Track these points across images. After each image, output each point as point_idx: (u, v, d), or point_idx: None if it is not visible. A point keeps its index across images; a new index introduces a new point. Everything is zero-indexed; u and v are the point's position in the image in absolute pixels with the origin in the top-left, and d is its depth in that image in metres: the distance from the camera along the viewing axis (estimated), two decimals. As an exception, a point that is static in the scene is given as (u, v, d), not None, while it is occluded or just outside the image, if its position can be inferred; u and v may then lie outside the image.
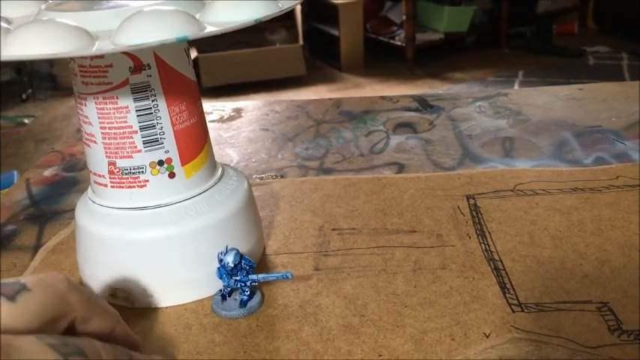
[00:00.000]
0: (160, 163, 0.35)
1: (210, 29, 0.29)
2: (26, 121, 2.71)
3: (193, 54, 2.85)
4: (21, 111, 2.86)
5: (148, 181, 0.35)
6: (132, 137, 0.34)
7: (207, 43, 2.91)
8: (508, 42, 3.32)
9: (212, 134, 0.39)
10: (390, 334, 0.33)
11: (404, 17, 3.03)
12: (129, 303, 0.36)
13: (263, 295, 0.37)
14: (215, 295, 0.36)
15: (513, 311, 0.34)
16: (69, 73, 0.35)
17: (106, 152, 0.34)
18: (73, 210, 0.39)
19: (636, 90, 0.68)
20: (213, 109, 0.72)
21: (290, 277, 0.35)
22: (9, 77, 3.11)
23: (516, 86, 2.78)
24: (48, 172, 0.58)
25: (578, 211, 0.44)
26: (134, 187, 0.35)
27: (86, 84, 0.33)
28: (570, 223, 0.43)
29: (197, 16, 0.30)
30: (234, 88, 2.92)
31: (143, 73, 0.33)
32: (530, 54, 3.22)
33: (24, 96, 3.02)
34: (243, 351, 0.33)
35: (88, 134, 0.35)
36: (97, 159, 0.35)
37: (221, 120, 0.69)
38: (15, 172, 1.56)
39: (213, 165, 0.38)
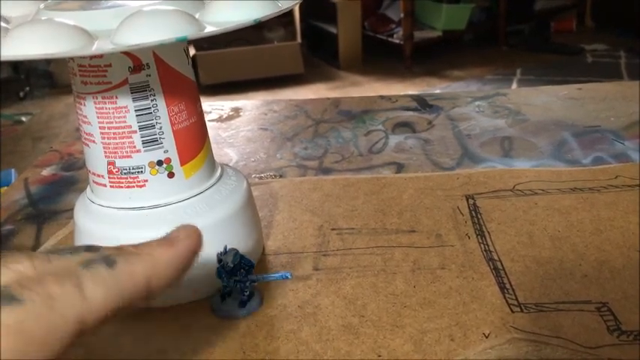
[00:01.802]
0: (159, 163, 0.34)
1: (209, 29, 0.29)
2: (24, 119, 2.71)
3: (191, 52, 2.84)
4: (18, 109, 2.86)
5: (147, 181, 0.35)
6: (131, 137, 0.34)
7: (206, 41, 2.91)
8: (506, 40, 3.33)
9: (211, 133, 0.39)
10: (389, 335, 0.33)
11: (402, 15, 3.03)
12: (128, 303, 0.36)
13: (262, 296, 0.36)
14: (214, 295, 0.36)
15: (512, 311, 0.34)
16: (67, 71, 0.34)
17: (105, 152, 0.34)
18: (71, 210, 0.39)
19: (635, 90, 0.68)
20: (212, 108, 0.72)
21: (289, 277, 0.35)
22: (6, 75, 3.11)
23: (514, 84, 2.78)
24: (46, 172, 0.58)
25: (577, 211, 0.44)
26: (133, 187, 0.35)
27: (85, 83, 0.33)
28: (569, 223, 0.43)
29: (197, 16, 0.30)
30: (232, 86, 2.92)
31: (142, 72, 0.32)
32: (529, 52, 3.23)
33: (21, 94, 3.02)
34: (243, 351, 0.33)
35: (86, 134, 0.35)
36: (95, 159, 0.35)
37: (220, 119, 0.68)
38: (12, 171, 1.56)
39: (212, 165, 0.38)
